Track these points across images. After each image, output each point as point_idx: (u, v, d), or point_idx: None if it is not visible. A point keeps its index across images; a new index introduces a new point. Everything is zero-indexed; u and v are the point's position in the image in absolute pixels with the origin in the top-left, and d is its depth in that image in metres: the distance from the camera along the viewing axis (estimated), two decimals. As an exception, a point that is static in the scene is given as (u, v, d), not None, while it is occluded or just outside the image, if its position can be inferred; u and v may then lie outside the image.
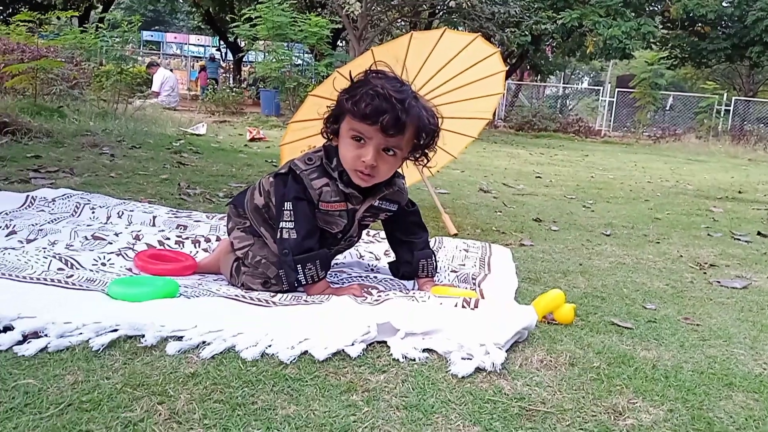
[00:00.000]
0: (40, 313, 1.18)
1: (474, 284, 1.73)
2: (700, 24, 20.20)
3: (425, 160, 1.61)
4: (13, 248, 1.71)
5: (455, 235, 2.56)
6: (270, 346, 1.12)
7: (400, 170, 1.65)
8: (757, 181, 7.69)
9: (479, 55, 2.86)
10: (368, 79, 1.49)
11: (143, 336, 1.12)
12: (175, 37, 32.91)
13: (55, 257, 1.63)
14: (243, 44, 19.10)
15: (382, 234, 2.00)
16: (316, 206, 1.55)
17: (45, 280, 1.43)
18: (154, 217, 2.28)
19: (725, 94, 18.74)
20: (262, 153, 5.58)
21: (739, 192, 6.12)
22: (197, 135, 6.62)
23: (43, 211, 2.23)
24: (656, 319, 1.64)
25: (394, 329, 1.19)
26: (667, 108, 20.63)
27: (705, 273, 2.37)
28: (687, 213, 4.21)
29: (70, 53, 8.23)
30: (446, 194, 3.96)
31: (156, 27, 34.19)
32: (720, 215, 4.19)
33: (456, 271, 1.89)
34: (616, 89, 20.99)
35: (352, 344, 1.14)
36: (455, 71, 2.86)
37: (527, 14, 15.01)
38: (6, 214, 2.14)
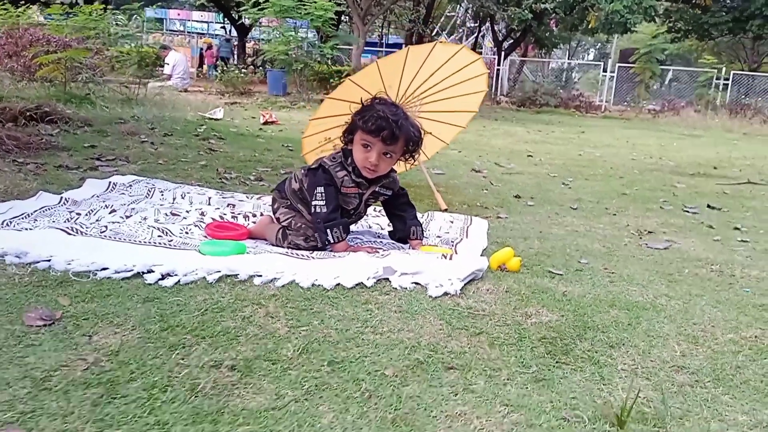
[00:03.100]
0: (166, 262, 1.83)
1: (452, 245, 2.38)
2: (701, -3, 20.41)
3: (413, 160, 2.27)
4: (118, 222, 2.36)
5: (445, 210, 3.19)
6: (317, 279, 1.78)
7: (395, 167, 2.31)
8: (739, 156, 8.10)
9: (465, 61, 3.48)
10: (374, 105, 2.17)
11: (237, 275, 1.78)
12: (178, 14, 33.10)
13: (154, 228, 2.29)
14: (248, 22, 19.58)
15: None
16: (338, 190, 2.20)
17: (154, 243, 2.08)
18: (209, 198, 2.93)
19: (723, 68, 19.05)
20: (276, 137, 6.15)
21: (714, 168, 6.61)
22: (216, 119, 7.19)
23: (123, 194, 2.87)
24: (583, 269, 2.28)
25: (393, 270, 1.85)
26: (665, 83, 20.97)
27: (641, 238, 3.00)
28: (652, 188, 4.80)
29: (84, 39, 8.63)
30: (442, 174, 4.57)
31: (159, 3, 34.22)
32: (681, 190, 4.79)
33: (440, 236, 2.55)
34: (617, 64, 21.29)
35: (368, 279, 1.81)
36: (445, 74, 3.47)
37: (527, -8, 15.43)
38: (97, 196, 2.78)
